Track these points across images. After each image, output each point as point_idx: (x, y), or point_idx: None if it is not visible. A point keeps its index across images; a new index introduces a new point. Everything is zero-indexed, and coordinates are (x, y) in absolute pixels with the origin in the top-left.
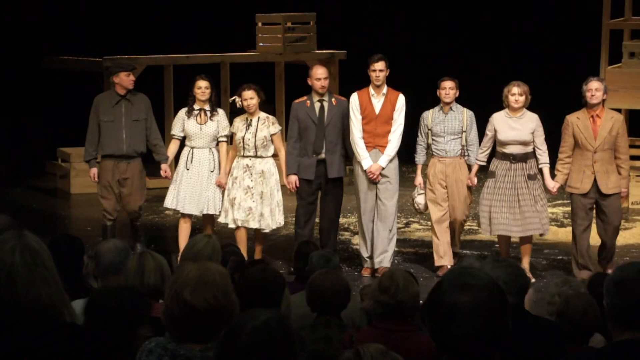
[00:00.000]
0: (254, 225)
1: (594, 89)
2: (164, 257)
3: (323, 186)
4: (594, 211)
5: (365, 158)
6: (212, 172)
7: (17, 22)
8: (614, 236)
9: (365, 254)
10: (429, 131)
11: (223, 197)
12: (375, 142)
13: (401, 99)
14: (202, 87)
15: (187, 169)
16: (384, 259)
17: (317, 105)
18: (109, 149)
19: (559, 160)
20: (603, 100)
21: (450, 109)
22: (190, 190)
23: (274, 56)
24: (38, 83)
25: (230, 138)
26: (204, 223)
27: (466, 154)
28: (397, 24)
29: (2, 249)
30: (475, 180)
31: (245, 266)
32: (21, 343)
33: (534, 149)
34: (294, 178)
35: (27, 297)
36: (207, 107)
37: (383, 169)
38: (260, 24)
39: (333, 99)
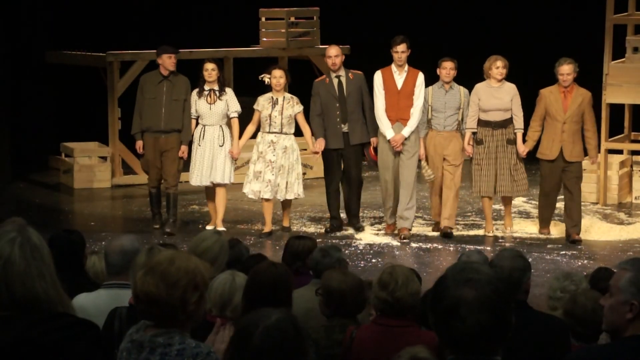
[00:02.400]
0: (267, 195)
1: (565, 73)
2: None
3: (345, 154)
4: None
5: (388, 129)
6: (221, 146)
7: (21, 17)
8: (578, 202)
9: (388, 214)
10: (429, 107)
11: (246, 169)
12: (399, 116)
13: (421, 76)
14: (208, 70)
15: (199, 145)
16: (405, 221)
17: (335, 81)
18: (148, 123)
19: (530, 128)
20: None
21: (450, 87)
22: (199, 164)
23: (278, 51)
24: (41, 78)
25: (242, 114)
26: (215, 192)
27: (462, 127)
28: (398, 18)
29: (2, 239)
30: (470, 149)
31: (246, 261)
32: (16, 332)
33: (512, 115)
34: (322, 140)
35: (22, 289)
36: (216, 87)
37: (406, 139)
38: (263, 19)
39: (350, 74)
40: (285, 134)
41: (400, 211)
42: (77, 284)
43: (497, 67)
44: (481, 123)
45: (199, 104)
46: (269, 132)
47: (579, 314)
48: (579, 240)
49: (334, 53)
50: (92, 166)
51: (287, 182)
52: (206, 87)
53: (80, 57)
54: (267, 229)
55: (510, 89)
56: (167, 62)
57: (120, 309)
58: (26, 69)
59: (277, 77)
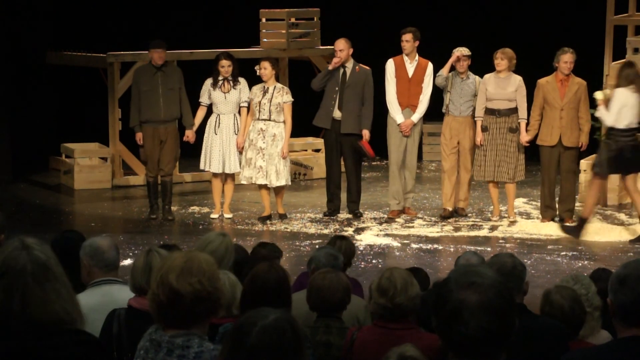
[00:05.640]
0: (261, 182)
1: (569, 61)
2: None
3: (342, 141)
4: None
5: (398, 114)
6: (236, 134)
7: (21, 18)
8: (573, 183)
9: (393, 199)
10: (448, 92)
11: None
12: (409, 102)
13: (430, 66)
14: (225, 67)
15: (216, 134)
16: (407, 200)
17: (341, 70)
18: (148, 115)
19: (531, 117)
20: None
21: (467, 76)
22: (218, 152)
23: (278, 52)
24: (42, 78)
25: (249, 105)
26: (226, 178)
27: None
28: (398, 19)
29: (13, 269)
30: (482, 137)
31: (250, 262)
32: (19, 343)
33: (516, 105)
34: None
35: (44, 314)
36: (230, 77)
37: (414, 124)
38: (264, 20)
39: (357, 67)
40: (274, 121)
41: (406, 192)
42: (79, 285)
43: (495, 57)
44: (487, 111)
45: (214, 94)
46: (259, 119)
47: (549, 311)
48: (571, 224)
49: (339, 47)
50: (92, 167)
51: (276, 169)
52: (219, 78)
53: (80, 58)
54: (265, 213)
55: (516, 80)
56: (155, 56)
57: (118, 310)
58: (27, 69)
59: (262, 67)
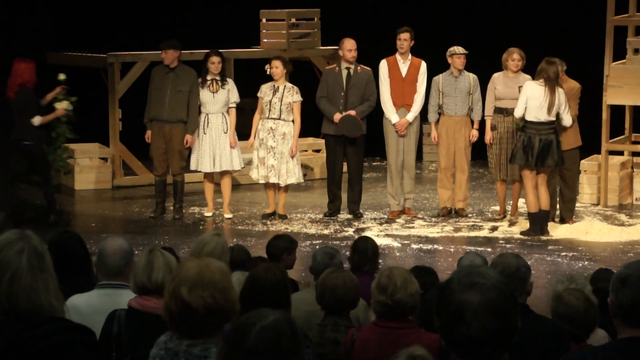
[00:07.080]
0: (274, 180)
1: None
2: (171, 254)
3: (346, 142)
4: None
5: (393, 114)
6: (225, 133)
7: (21, 18)
8: (573, 183)
9: (393, 200)
10: (441, 93)
11: (252, 155)
12: (403, 102)
13: (424, 65)
14: (215, 63)
15: (205, 133)
16: (407, 200)
17: (345, 72)
18: (154, 113)
19: None
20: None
21: (460, 73)
22: (208, 152)
23: (278, 52)
24: (42, 79)
25: (244, 114)
26: (221, 178)
27: (471, 113)
28: (398, 19)
29: (9, 250)
30: (491, 136)
31: (250, 263)
32: (9, 336)
33: None
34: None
35: (27, 302)
36: (218, 77)
37: (410, 123)
38: (264, 20)
39: (359, 68)
40: (284, 120)
41: (406, 193)
42: (79, 286)
43: (513, 59)
44: (495, 110)
45: (202, 93)
46: (269, 118)
47: (564, 313)
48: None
49: (353, 47)
50: (92, 167)
51: (287, 168)
52: (208, 77)
53: (81, 58)
54: (269, 210)
55: (525, 79)
56: (162, 57)
57: (119, 311)
58: None
59: (274, 66)
